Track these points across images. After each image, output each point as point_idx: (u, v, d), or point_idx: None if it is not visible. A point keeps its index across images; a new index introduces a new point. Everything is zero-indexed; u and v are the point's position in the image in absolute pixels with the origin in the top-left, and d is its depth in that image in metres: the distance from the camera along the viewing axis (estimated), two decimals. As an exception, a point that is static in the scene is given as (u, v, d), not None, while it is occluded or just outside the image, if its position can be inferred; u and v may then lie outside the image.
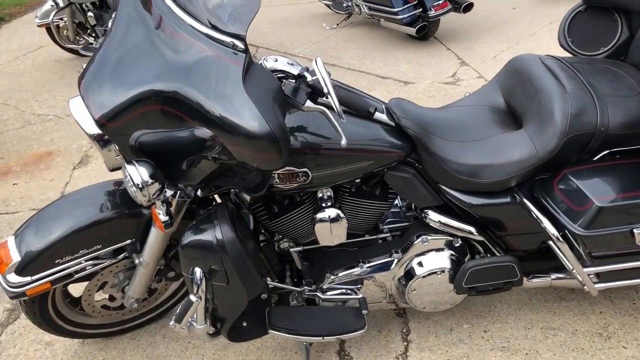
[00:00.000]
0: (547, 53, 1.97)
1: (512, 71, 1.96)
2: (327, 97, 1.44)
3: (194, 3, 1.48)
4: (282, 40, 5.99)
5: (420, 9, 5.07)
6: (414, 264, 1.92)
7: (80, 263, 1.83)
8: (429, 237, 1.89)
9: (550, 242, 1.88)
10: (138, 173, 1.48)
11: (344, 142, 1.49)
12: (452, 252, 1.92)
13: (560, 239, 1.76)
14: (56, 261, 1.79)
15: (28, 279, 1.78)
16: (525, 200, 1.78)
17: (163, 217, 1.66)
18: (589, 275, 1.88)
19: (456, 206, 1.84)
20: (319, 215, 1.79)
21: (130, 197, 1.74)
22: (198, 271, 1.65)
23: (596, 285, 1.90)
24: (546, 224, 1.75)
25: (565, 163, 1.76)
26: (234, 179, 1.61)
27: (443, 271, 1.90)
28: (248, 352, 2.12)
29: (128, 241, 1.87)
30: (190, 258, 1.66)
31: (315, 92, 1.52)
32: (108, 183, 1.92)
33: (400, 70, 4.88)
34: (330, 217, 1.78)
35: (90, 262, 1.85)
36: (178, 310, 1.68)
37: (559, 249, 1.82)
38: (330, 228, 1.80)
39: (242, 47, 1.38)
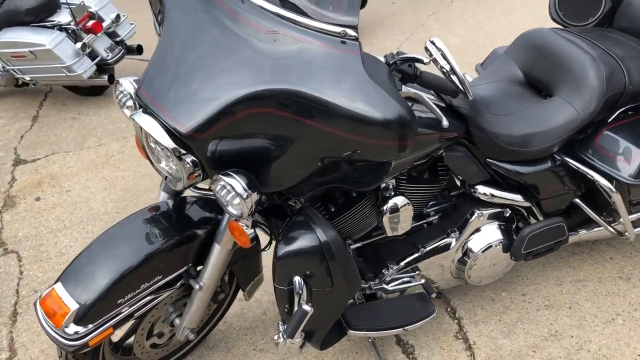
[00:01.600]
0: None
1: (528, 45, 2.08)
2: (450, 76, 1.43)
3: None
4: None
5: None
6: (472, 240, 1.97)
7: (144, 298, 1.65)
8: (484, 212, 1.95)
9: (577, 200, 2.04)
10: (240, 183, 1.37)
11: (445, 123, 1.49)
12: (504, 223, 2.00)
13: (614, 189, 1.90)
14: (118, 301, 1.60)
15: (90, 327, 1.57)
16: (570, 160, 1.90)
17: (249, 231, 1.54)
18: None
19: (503, 177, 1.91)
20: (388, 205, 1.76)
21: (178, 221, 1.65)
22: (298, 280, 1.56)
23: (636, 230, 2.08)
24: (597, 177, 1.88)
25: (599, 123, 1.91)
26: (334, 177, 1.53)
27: (500, 242, 1.97)
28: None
29: (185, 267, 1.72)
30: (288, 268, 1.56)
31: (405, 77, 1.51)
32: (141, 213, 1.73)
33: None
34: (400, 206, 1.77)
35: (152, 295, 1.68)
36: (289, 324, 1.58)
37: (611, 200, 1.94)
38: (400, 217, 1.79)
39: (355, 34, 1.32)
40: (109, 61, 4.08)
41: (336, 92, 1.30)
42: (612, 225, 2.08)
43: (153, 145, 1.48)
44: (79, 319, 1.54)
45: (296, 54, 1.33)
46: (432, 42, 1.42)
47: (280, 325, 1.74)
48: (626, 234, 2.08)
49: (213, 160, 1.40)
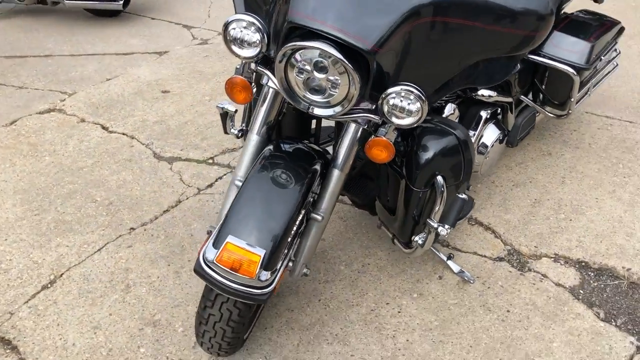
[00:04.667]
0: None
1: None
2: None
3: None
4: None
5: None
6: (484, 136, 2.36)
7: (294, 238, 1.68)
8: (488, 110, 2.35)
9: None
10: (418, 90, 1.51)
11: None
12: (496, 119, 2.45)
13: (575, 73, 2.47)
14: (286, 243, 1.59)
15: (274, 272, 1.55)
16: (539, 58, 2.42)
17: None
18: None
19: None
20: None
21: (294, 162, 1.67)
22: (440, 178, 1.76)
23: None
24: (561, 66, 2.42)
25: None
26: (472, 77, 1.74)
27: (501, 134, 2.41)
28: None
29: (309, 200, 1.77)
30: (433, 169, 1.74)
31: None
32: (259, 166, 1.68)
33: (136, 44, 4.72)
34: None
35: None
36: (449, 215, 1.77)
37: (571, 82, 2.47)
38: None
39: None
40: None
41: None
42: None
43: (307, 72, 1.50)
44: (265, 266, 1.51)
45: None
46: None
47: (397, 242, 1.92)
48: (569, 111, 2.72)
49: (381, 75, 1.51)
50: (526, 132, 2.60)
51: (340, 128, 1.95)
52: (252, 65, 1.66)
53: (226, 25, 1.56)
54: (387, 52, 1.47)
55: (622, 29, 2.77)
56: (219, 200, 2.67)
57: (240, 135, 2.07)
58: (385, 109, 1.53)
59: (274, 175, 1.64)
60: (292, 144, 1.75)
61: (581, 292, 2.16)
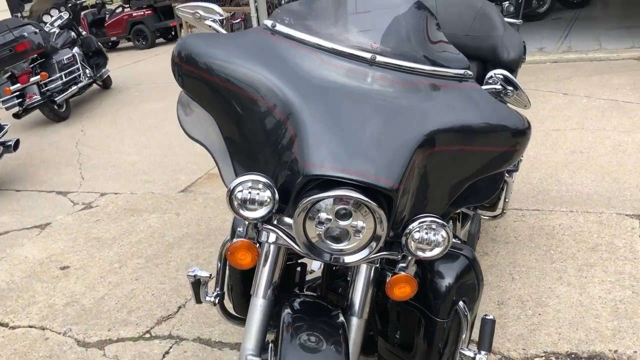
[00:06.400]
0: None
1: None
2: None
3: (412, 47, 1.58)
4: None
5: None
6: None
7: None
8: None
9: None
10: (442, 220, 1.47)
11: None
12: (454, 233, 2.47)
13: (509, 175, 2.59)
14: None
15: None
16: None
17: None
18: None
19: None
20: None
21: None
22: (461, 304, 1.67)
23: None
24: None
25: None
26: (469, 197, 1.71)
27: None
28: None
29: None
30: (454, 297, 1.65)
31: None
32: None
33: (8, 221, 4.28)
34: None
35: None
36: (483, 340, 1.66)
37: None
38: None
39: (471, 74, 1.64)
40: None
41: (484, 115, 1.58)
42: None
43: (328, 222, 1.40)
44: None
45: (438, 95, 1.56)
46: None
47: None
48: (504, 210, 2.84)
49: (400, 211, 1.45)
50: (478, 239, 2.66)
51: (337, 272, 1.82)
52: (257, 225, 1.51)
53: (231, 191, 1.41)
54: (405, 187, 1.42)
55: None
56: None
57: (217, 302, 1.86)
58: (412, 245, 1.45)
59: (308, 341, 1.45)
60: (307, 302, 1.59)
61: (586, 385, 2.14)
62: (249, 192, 1.41)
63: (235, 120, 1.59)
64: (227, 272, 1.90)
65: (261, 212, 1.43)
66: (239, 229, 1.60)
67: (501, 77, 1.84)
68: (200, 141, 1.70)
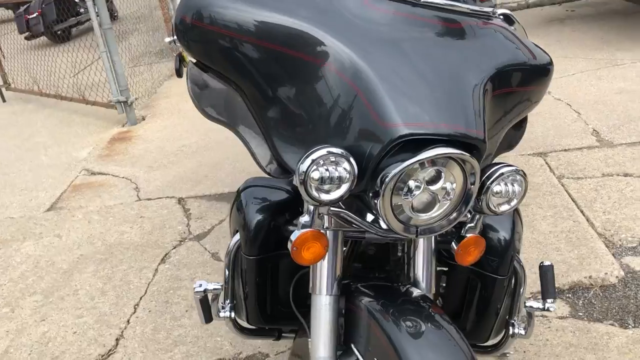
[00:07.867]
0: None
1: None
2: None
3: None
4: None
5: None
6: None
7: None
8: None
9: None
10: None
11: None
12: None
13: None
14: None
15: None
16: None
17: None
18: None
19: None
20: None
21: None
22: (518, 257, 1.57)
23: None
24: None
25: None
26: (502, 145, 1.58)
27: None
28: None
29: None
30: (509, 250, 1.53)
31: None
32: None
33: None
34: None
35: None
36: (547, 286, 1.55)
37: None
38: None
39: (497, 10, 1.50)
40: None
41: (522, 54, 1.47)
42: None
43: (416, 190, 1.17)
44: None
45: (480, 36, 1.40)
46: None
47: None
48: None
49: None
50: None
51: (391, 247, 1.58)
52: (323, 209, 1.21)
53: (306, 170, 1.09)
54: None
55: None
56: None
57: (232, 317, 1.56)
58: (493, 200, 1.27)
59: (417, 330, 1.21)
60: (379, 285, 1.35)
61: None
62: (327, 170, 1.11)
63: (273, 86, 1.28)
64: (235, 280, 1.57)
65: (341, 190, 1.14)
66: (302, 218, 1.24)
67: (501, 16, 1.75)
68: (221, 120, 1.35)
